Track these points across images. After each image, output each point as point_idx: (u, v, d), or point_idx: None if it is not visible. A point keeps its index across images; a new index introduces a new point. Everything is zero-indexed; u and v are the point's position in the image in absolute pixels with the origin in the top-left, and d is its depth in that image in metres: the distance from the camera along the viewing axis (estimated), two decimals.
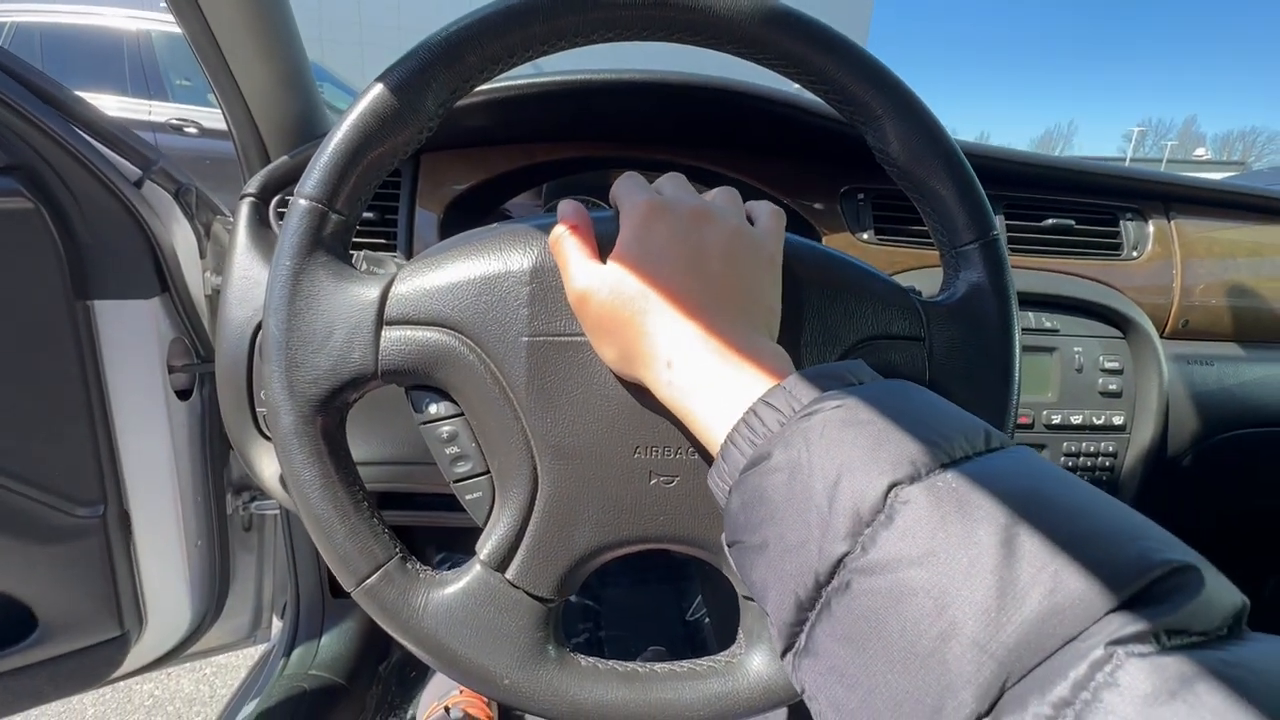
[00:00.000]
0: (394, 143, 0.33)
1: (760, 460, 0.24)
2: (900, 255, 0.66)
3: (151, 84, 3.84)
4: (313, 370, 0.31)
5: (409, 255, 0.62)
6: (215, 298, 0.82)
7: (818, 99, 0.36)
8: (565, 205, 0.33)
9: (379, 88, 0.32)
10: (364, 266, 0.41)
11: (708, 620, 1.19)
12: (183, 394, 0.82)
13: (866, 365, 0.28)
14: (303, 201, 0.32)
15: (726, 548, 0.27)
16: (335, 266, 0.32)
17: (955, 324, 0.36)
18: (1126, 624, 0.17)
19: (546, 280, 0.32)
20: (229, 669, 1.34)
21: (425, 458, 0.58)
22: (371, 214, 0.61)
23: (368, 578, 0.31)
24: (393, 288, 0.32)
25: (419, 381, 0.33)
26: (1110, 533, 0.19)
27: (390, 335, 0.32)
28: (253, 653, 1.11)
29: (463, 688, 0.85)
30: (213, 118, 3.73)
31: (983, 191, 0.36)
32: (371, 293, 0.32)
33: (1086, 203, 0.71)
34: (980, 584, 0.18)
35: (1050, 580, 0.18)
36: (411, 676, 1.00)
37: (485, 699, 0.85)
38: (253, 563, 0.98)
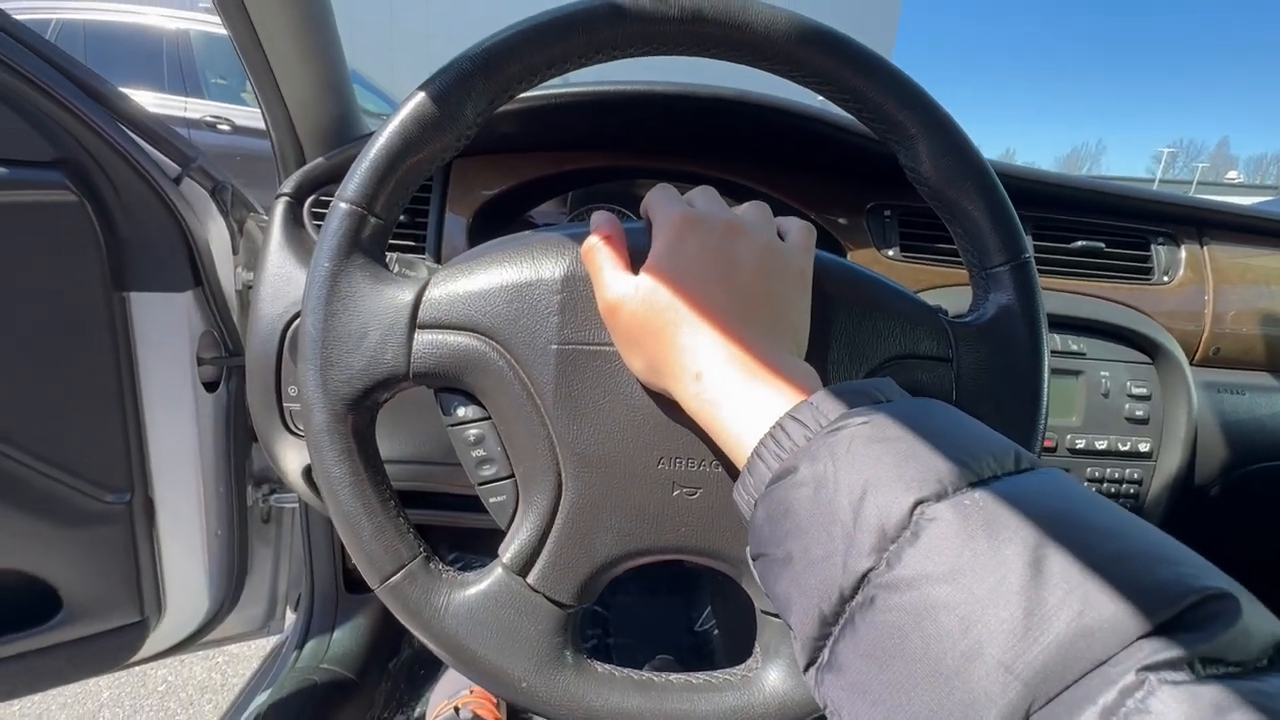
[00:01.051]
0: (433, 149, 0.33)
1: (786, 474, 0.24)
2: (926, 273, 0.66)
3: (188, 81, 3.94)
4: (346, 370, 0.32)
5: (438, 258, 0.63)
6: (246, 293, 0.83)
7: (845, 114, 0.37)
8: (599, 216, 0.33)
9: (421, 96, 0.33)
10: (396, 269, 0.41)
11: (716, 632, 1.19)
12: (210, 386, 0.84)
13: (894, 383, 0.28)
14: (343, 205, 0.32)
15: (750, 561, 0.27)
16: (372, 269, 0.33)
17: (984, 345, 0.36)
18: (1159, 650, 0.16)
19: (577, 289, 0.33)
20: (241, 659, 1.36)
21: (445, 458, 0.59)
22: (402, 216, 0.62)
23: (392, 576, 0.32)
24: (426, 292, 0.33)
25: (449, 384, 0.34)
26: (1143, 556, 0.19)
27: (423, 338, 0.32)
28: (264, 644, 1.13)
29: (473, 688, 0.86)
30: (245, 115, 3.82)
31: (1015, 213, 0.36)
32: (406, 296, 0.33)
33: (1117, 225, 0.70)
34: (1007, 604, 0.18)
35: (1079, 602, 0.18)
36: (421, 675, 1.01)
37: (494, 700, 0.85)
38: (269, 555, 1.00)
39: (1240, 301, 0.71)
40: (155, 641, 0.86)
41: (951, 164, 0.35)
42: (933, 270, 0.66)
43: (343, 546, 0.98)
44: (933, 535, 0.20)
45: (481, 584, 0.33)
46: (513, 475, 0.34)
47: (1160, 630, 0.17)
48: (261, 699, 0.84)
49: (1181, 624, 0.17)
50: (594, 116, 0.63)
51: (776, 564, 0.24)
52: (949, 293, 0.65)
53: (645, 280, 0.30)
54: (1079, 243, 0.68)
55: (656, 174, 0.73)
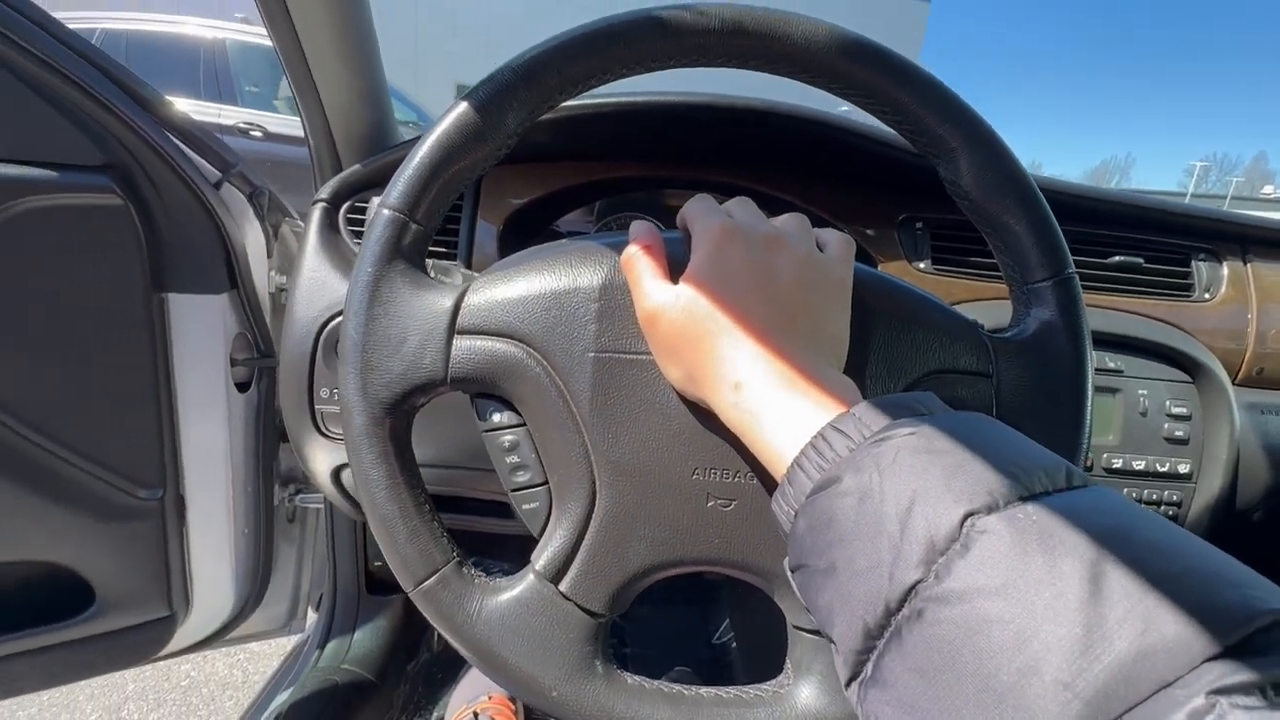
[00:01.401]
0: (474, 158, 0.34)
1: (829, 484, 0.24)
2: (958, 287, 0.65)
3: (223, 89, 4.06)
4: (386, 374, 0.32)
5: (469, 264, 0.63)
6: (279, 296, 0.85)
7: (877, 125, 0.37)
8: (638, 225, 0.34)
9: (463, 106, 0.33)
10: (433, 275, 0.42)
11: (734, 645, 1.17)
12: (242, 386, 0.85)
13: (936, 397, 0.28)
14: (386, 211, 0.33)
15: (789, 572, 0.26)
16: (413, 275, 0.33)
17: (1025, 361, 0.35)
18: (1229, 673, 0.16)
19: (615, 298, 0.33)
20: (260, 656, 1.37)
21: (470, 462, 0.60)
22: None
23: (425, 580, 0.32)
24: (466, 298, 0.33)
25: (485, 390, 0.34)
26: (1206, 576, 0.19)
27: (461, 344, 0.33)
28: (283, 643, 1.14)
29: (491, 693, 0.86)
30: (276, 122, 3.92)
31: (1058, 228, 0.35)
32: (445, 301, 0.33)
33: (1157, 241, 0.69)
34: (1065, 620, 0.18)
35: (1141, 620, 0.17)
36: (439, 678, 1.01)
37: (513, 706, 0.85)
38: (293, 554, 1.01)
39: None
40: (182, 637, 0.88)
41: (993, 178, 0.35)
42: (965, 284, 0.65)
43: (365, 548, 0.99)
44: (984, 548, 0.20)
45: (514, 590, 0.33)
46: (546, 482, 0.34)
47: (1228, 653, 0.16)
48: (283, 697, 0.85)
49: (1250, 648, 0.17)
50: (624, 126, 0.63)
51: (818, 575, 0.24)
52: (982, 307, 0.64)
53: (685, 289, 0.30)
54: (1117, 258, 0.67)
55: (686, 184, 0.73)
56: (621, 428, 0.32)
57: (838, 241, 0.34)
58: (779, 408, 0.28)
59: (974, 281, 0.65)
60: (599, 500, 0.33)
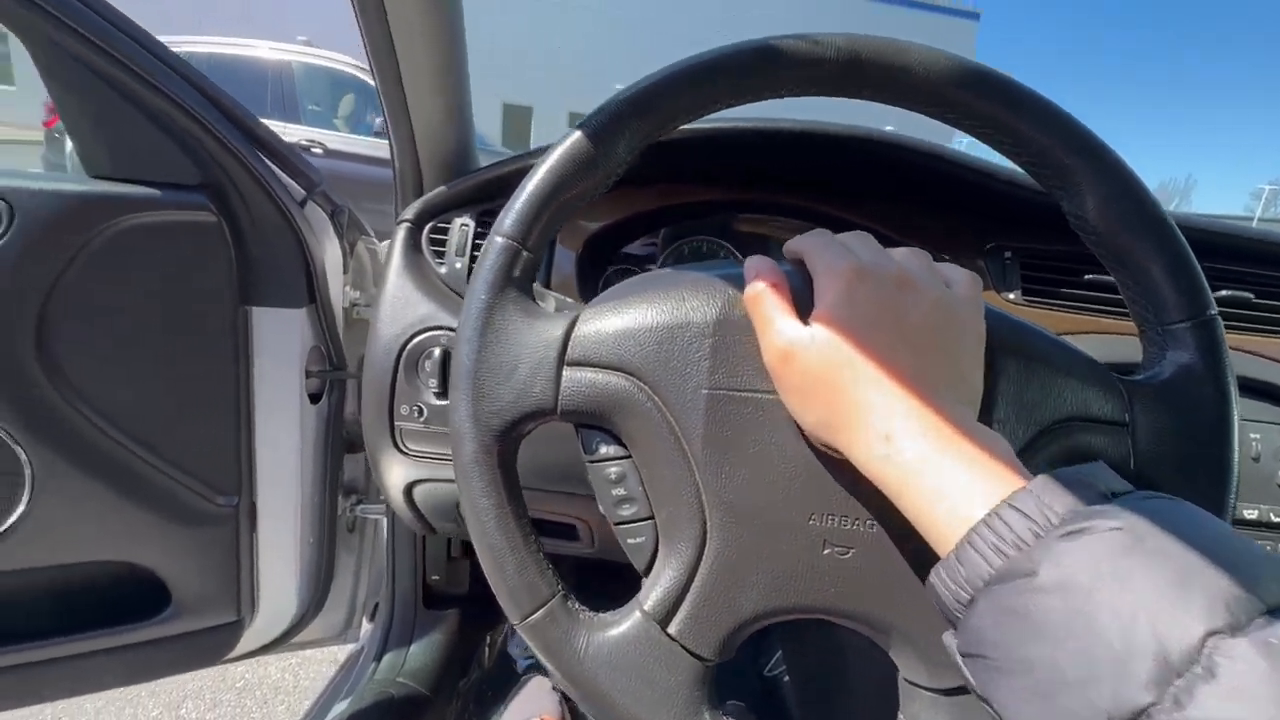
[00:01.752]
0: (584, 187, 0.34)
1: (1019, 575, 0.22)
2: (1050, 319, 0.62)
3: (288, 108, 4.26)
4: (496, 401, 0.32)
5: (547, 287, 0.64)
6: (352, 311, 0.87)
7: (964, 151, 0.35)
8: (756, 260, 0.33)
9: (576, 135, 0.33)
10: (549, 305, 0.42)
11: (786, 678, 1.14)
12: (314, 398, 0.87)
13: (1109, 469, 0.26)
14: (500, 239, 0.33)
15: (958, 656, 0.25)
16: (524, 303, 0.33)
17: (1163, 408, 0.33)
18: None
19: (730, 334, 0.32)
20: (311, 661, 1.40)
21: (536, 483, 0.59)
22: None
23: (533, 614, 0.32)
24: (576, 328, 0.33)
25: (595, 423, 0.33)
26: None
27: (571, 375, 0.32)
28: (334, 650, 1.15)
29: (544, 715, 0.85)
30: (336, 140, 4.09)
31: (1198, 266, 0.33)
32: (556, 331, 0.33)
33: (1266, 274, 0.65)
34: None
35: None
36: (489, 696, 1.01)
37: None
38: (352, 563, 1.03)
39: None
40: (248, 641, 0.90)
41: (1124, 212, 0.33)
42: (1057, 316, 0.62)
43: (424, 561, 0.99)
44: (1237, 676, 0.18)
45: (621, 628, 0.32)
46: (652, 517, 0.33)
47: None
48: (341, 708, 0.86)
49: None
50: (704, 152, 0.63)
51: (1003, 671, 0.22)
52: (1077, 341, 0.61)
53: (821, 330, 0.29)
54: (1224, 292, 0.63)
55: (759, 207, 0.73)
56: (735, 468, 0.31)
57: (965, 280, 0.33)
58: (935, 467, 0.26)
59: (1066, 314, 0.62)
60: (710, 542, 0.32)
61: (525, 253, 0.34)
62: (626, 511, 0.34)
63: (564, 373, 0.33)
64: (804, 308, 0.31)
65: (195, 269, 0.72)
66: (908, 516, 0.27)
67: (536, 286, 0.43)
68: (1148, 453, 0.32)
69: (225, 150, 0.71)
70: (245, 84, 4.24)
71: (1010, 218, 0.64)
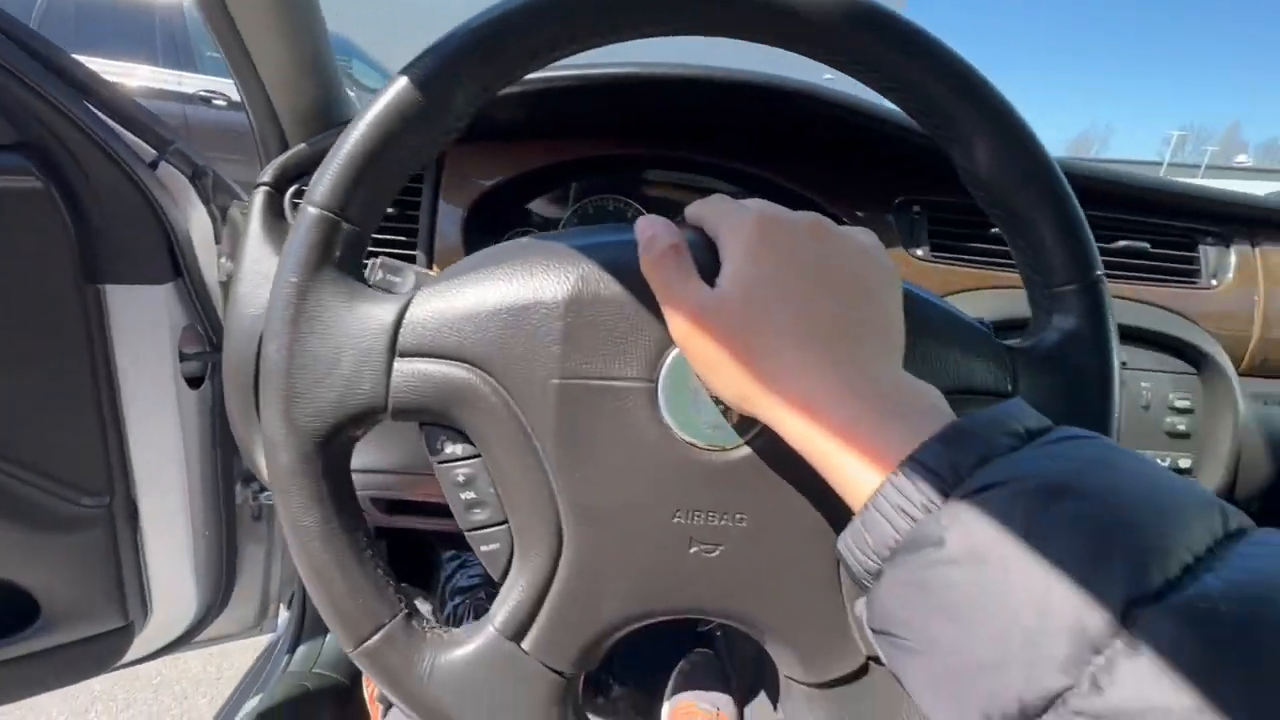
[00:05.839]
0: (417, 144, 0.29)
1: (928, 544, 0.20)
2: (957, 275, 0.61)
3: (182, 55, 3.85)
4: (315, 402, 0.28)
5: (430, 255, 0.58)
6: (229, 284, 0.79)
7: (875, 101, 0.32)
8: (651, 221, 0.29)
9: (402, 83, 0.28)
10: (379, 276, 0.37)
11: (719, 633, 1.16)
12: (194, 382, 0.80)
13: (1026, 405, 0.24)
14: (312, 210, 0.28)
15: (870, 632, 0.23)
16: (346, 284, 0.29)
17: (1047, 376, 0.31)
18: None
19: (584, 314, 0.28)
20: (237, 650, 1.34)
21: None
22: (391, 209, 0.57)
23: (368, 639, 0.28)
24: (408, 313, 0.29)
25: (434, 420, 0.29)
26: None
27: (404, 368, 0.28)
28: (263, 641, 1.10)
29: None
30: None
31: (1087, 226, 0.31)
32: (385, 316, 0.28)
33: (1162, 224, 0.65)
34: None
35: None
36: None
37: None
38: (260, 553, 0.97)
39: None
40: (143, 644, 0.84)
41: (1016, 167, 0.31)
42: (964, 272, 0.61)
43: None
44: (1162, 653, 0.16)
45: (470, 646, 0.29)
46: (506, 522, 0.30)
47: None
48: (252, 704, 0.81)
49: None
50: (603, 101, 0.58)
51: (912, 652, 0.20)
52: (981, 297, 0.61)
53: (731, 290, 0.26)
54: (1121, 243, 0.63)
55: (669, 162, 0.68)
56: (591, 465, 0.28)
57: (865, 234, 0.30)
58: (859, 432, 0.23)
59: (974, 269, 0.61)
60: (566, 548, 0.29)
61: (346, 225, 0.28)
62: (478, 516, 0.30)
63: (395, 365, 0.28)
64: (709, 273, 0.27)
65: (22, 243, 0.63)
66: (838, 490, 0.24)
67: (395, 262, 0.38)
68: None
69: (48, 106, 0.61)
70: (128, 30, 3.80)
71: (919, 171, 0.62)
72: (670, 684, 1.00)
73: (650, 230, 0.28)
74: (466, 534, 0.31)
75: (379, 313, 0.28)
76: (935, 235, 0.62)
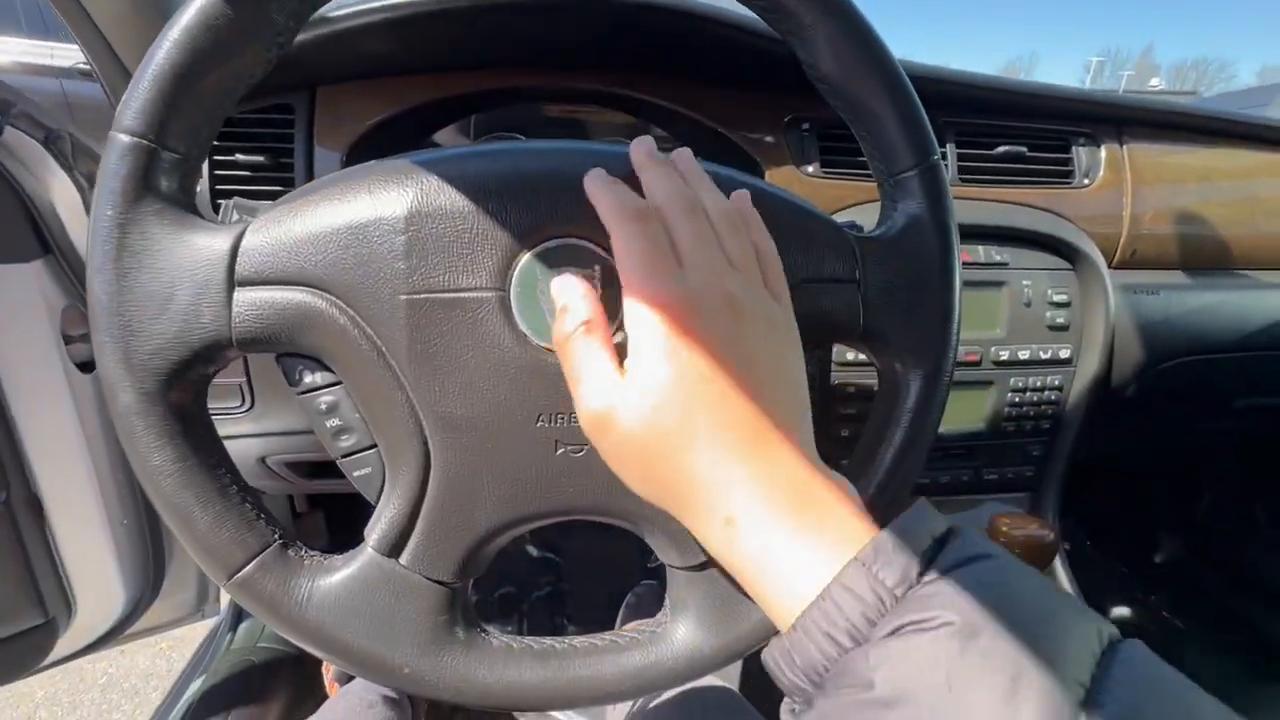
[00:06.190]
0: (237, 64, 0.27)
1: (858, 685, 0.20)
2: (848, 189, 0.62)
3: (50, 24, 3.47)
4: (154, 338, 0.27)
5: None
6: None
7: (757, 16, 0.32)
8: (567, 281, 0.27)
9: None
10: (235, 217, 0.35)
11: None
12: (86, 366, 0.75)
13: (929, 507, 0.24)
14: (122, 137, 0.26)
15: None
16: (172, 214, 0.27)
17: (891, 262, 0.33)
18: None
19: (426, 227, 0.28)
20: (186, 641, 1.31)
21: None
22: (263, 157, 0.55)
23: (240, 569, 0.28)
24: (244, 240, 0.27)
25: (284, 349, 0.29)
26: None
27: (244, 298, 0.27)
28: (208, 625, 1.08)
29: None
30: None
31: (924, 112, 0.32)
32: (219, 245, 0.27)
33: (1039, 128, 0.68)
34: None
35: None
36: None
37: None
38: None
39: (1157, 202, 0.71)
40: (71, 640, 0.81)
41: (853, 58, 0.31)
42: (856, 186, 0.63)
43: None
44: None
45: (348, 568, 0.29)
46: (375, 445, 0.30)
47: None
48: (197, 685, 0.81)
49: None
50: (477, 28, 0.56)
51: None
52: (872, 211, 0.62)
53: (643, 389, 0.24)
54: (1001, 148, 0.66)
55: (559, 94, 0.66)
56: (449, 378, 0.28)
57: (769, 254, 0.29)
58: (780, 551, 0.23)
59: (865, 184, 0.63)
60: (434, 462, 0.29)
61: (165, 152, 0.27)
62: (346, 443, 0.30)
63: (235, 295, 0.27)
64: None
65: None
66: (764, 605, 0.25)
67: (248, 201, 0.36)
68: (875, 305, 0.32)
69: None
70: None
71: (807, 88, 0.62)
72: (619, 617, 1.04)
73: (563, 298, 0.27)
74: (339, 462, 0.30)
75: (213, 242, 0.27)
76: (826, 152, 0.63)
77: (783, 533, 0.23)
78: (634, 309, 0.25)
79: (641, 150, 0.29)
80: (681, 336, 0.24)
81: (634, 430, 0.24)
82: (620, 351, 0.26)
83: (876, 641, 0.20)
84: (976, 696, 0.19)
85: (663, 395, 0.24)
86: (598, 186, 0.28)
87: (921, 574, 0.21)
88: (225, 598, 1.03)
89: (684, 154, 0.30)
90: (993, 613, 0.20)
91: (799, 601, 0.22)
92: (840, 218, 0.36)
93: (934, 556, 0.22)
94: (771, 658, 0.24)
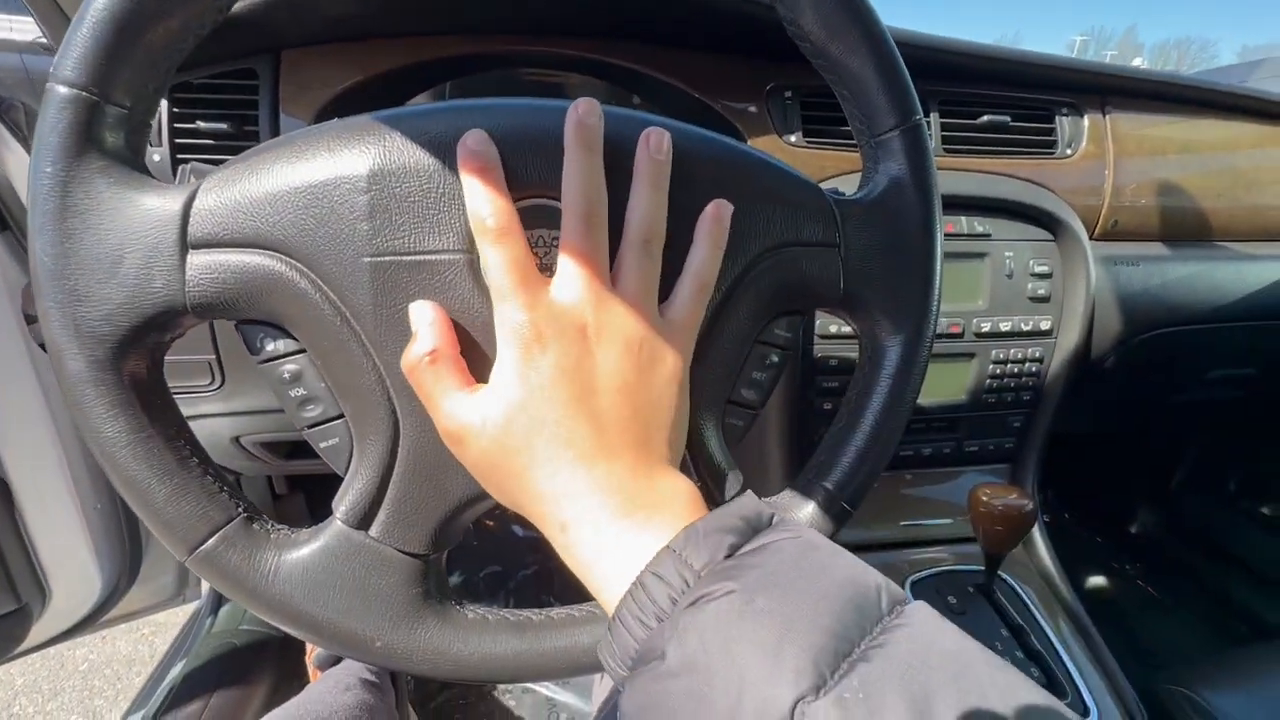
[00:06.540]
0: (183, 16, 0.26)
1: (652, 658, 0.21)
2: (831, 159, 0.62)
3: None
4: (103, 304, 0.25)
5: None
6: None
7: None
8: (421, 313, 0.27)
9: None
10: (191, 180, 0.34)
11: None
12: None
13: (754, 498, 0.26)
14: (61, 89, 0.25)
15: None
16: (118, 172, 0.26)
17: (872, 225, 0.32)
18: None
19: (390, 187, 0.26)
20: (168, 626, 1.30)
21: None
22: (226, 124, 0.52)
23: (203, 542, 0.27)
24: (196, 201, 0.26)
25: (243, 315, 0.28)
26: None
27: (198, 261, 0.26)
28: (189, 610, 1.07)
29: None
30: None
31: (906, 71, 0.32)
32: (170, 206, 0.26)
33: (1023, 98, 0.67)
34: None
35: None
36: None
37: None
38: None
39: (1139, 173, 0.70)
40: (46, 626, 0.80)
41: (836, 14, 0.30)
42: (839, 155, 0.62)
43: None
44: None
45: (317, 541, 0.28)
46: (342, 415, 0.29)
47: None
48: (178, 669, 0.80)
49: None
50: None
51: None
52: (855, 180, 0.61)
53: (491, 411, 0.26)
54: (985, 118, 0.65)
55: (534, 59, 0.65)
56: None
57: (689, 293, 0.28)
58: (612, 549, 0.25)
59: (848, 153, 0.62)
60: (403, 430, 0.28)
61: (110, 106, 0.25)
62: (312, 413, 0.29)
63: (189, 259, 0.26)
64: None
65: None
66: (598, 602, 0.26)
67: (204, 165, 0.34)
68: (855, 270, 0.32)
69: None
70: None
71: (791, 56, 0.61)
72: None
73: (413, 325, 0.27)
74: (304, 434, 0.29)
75: (163, 203, 0.26)
76: (808, 121, 0.62)
77: (612, 535, 0.25)
78: (500, 329, 0.26)
79: (571, 129, 0.27)
80: (532, 361, 0.26)
81: (486, 447, 0.26)
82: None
83: (672, 617, 0.22)
84: (747, 652, 0.20)
85: (509, 416, 0.26)
86: (477, 198, 0.26)
87: (728, 556, 0.23)
88: (206, 582, 1.02)
89: (660, 137, 0.28)
90: (775, 580, 0.21)
91: (619, 594, 0.24)
92: (823, 187, 0.35)
93: (747, 540, 0.23)
94: (602, 653, 0.25)
